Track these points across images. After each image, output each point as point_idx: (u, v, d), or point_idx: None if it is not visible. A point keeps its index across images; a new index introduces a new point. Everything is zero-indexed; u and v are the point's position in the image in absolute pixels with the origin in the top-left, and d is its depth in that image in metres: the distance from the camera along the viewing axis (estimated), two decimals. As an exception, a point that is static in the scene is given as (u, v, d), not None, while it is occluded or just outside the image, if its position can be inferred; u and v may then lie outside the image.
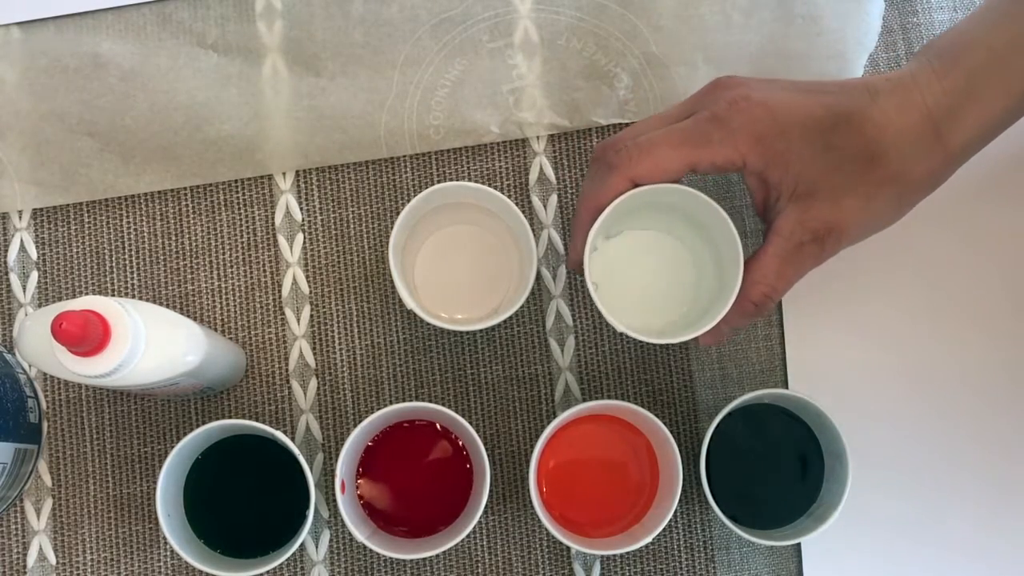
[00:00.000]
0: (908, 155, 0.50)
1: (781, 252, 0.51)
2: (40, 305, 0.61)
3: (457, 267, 0.60)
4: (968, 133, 0.50)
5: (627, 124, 0.63)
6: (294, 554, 0.58)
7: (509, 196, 0.59)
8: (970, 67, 0.50)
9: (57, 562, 0.59)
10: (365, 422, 0.53)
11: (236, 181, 0.62)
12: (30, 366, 0.60)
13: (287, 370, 0.60)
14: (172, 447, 0.53)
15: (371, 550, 0.58)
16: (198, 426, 0.54)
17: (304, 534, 0.53)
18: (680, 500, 0.54)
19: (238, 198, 0.62)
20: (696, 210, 0.54)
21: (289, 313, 0.61)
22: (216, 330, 0.60)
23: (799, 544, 0.59)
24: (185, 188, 0.62)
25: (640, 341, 0.55)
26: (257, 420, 0.57)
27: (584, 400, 0.60)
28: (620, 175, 0.51)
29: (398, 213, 0.58)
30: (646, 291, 0.58)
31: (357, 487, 0.57)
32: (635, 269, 0.58)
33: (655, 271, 0.58)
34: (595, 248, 0.56)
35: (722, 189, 0.62)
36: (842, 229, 0.51)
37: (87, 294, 0.61)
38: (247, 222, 0.62)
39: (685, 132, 0.51)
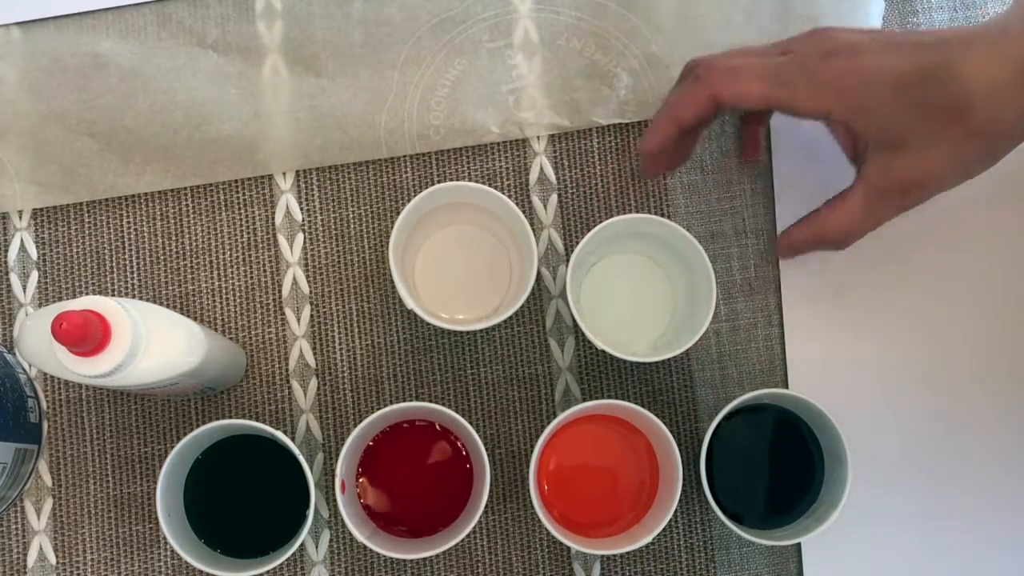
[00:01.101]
0: (996, 108, 0.50)
1: (865, 197, 0.53)
2: (40, 305, 0.61)
3: (457, 267, 0.60)
4: None
5: (627, 124, 0.63)
6: (294, 554, 0.58)
7: (509, 196, 0.59)
8: None
9: (57, 562, 0.59)
10: (365, 422, 0.53)
11: (236, 181, 0.62)
12: (30, 366, 0.60)
13: (287, 370, 0.60)
14: (172, 447, 0.53)
15: (371, 550, 0.58)
16: (198, 426, 0.54)
17: (304, 534, 0.52)
18: (680, 500, 0.54)
19: (238, 198, 0.62)
20: (672, 239, 0.56)
21: (289, 313, 0.61)
22: (216, 330, 0.60)
23: (799, 544, 0.59)
24: (185, 188, 0.62)
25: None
26: (257, 420, 0.57)
27: (584, 400, 0.60)
28: (704, 89, 0.53)
29: (398, 213, 0.58)
30: (628, 311, 0.60)
31: (357, 487, 0.57)
32: (617, 291, 0.60)
33: (636, 293, 0.60)
34: (582, 274, 0.59)
35: (722, 189, 0.62)
36: (927, 180, 0.52)
37: (87, 294, 0.61)
38: (247, 222, 0.62)
39: (774, 69, 0.52)
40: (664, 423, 0.54)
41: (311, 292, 0.61)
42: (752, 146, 0.62)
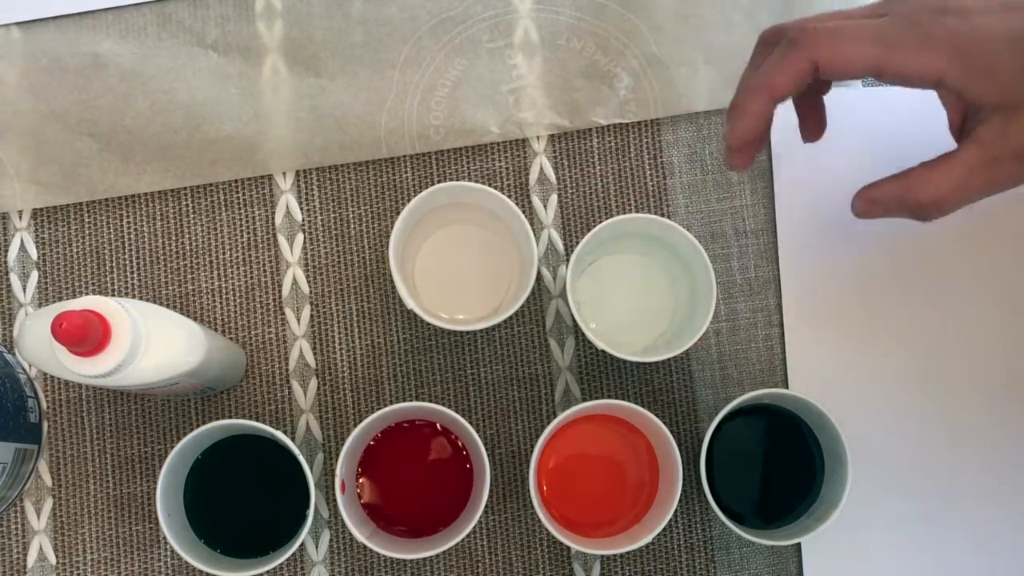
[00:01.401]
0: None
1: (973, 161, 0.47)
2: (40, 305, 0.61)
3: (457, 267, 0.60)
4: None
5: (627, 124, 0.63)
6: (294, 554, 0.58)
7: (509, 196, 0.59)
8: None
9: (57, 562, 0.59)
10: (365, 422, 0.53)
11: (236, 181, 0.62)
12: (30, 366, 0.60)
13: (287, 370, 0.60)
14: (172, 447, 0.53)
15: (371, 550, 0.58)
16: (198, 426, 0.54)
17: (304, 534, 0.52)
18: (680, 500, 0.54)
19: (238, 198, 0.62)
20: (672, 239, 0.56)
21: (289, 313, 0.61)
22: (216, 330, 0.60)
23: (799, 544, 0.59)
24: (185, 188, 0.62)
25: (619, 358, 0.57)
26: (257, 420, 0.57)
27: (584, 400, 0.60)
28: (802, 54, 0.48)
29: (398, 213, 0.58)
30: (628, 311, 0.60)
31: (357, 487, 0.57)
32: (617, 291, 0.60)
33: (636, 293, 0.60)
34: (581, 274, 0.59)
35: (722, 189, 0.62)
36: None
37: (87, 294, 0.61)
38: (247, 222, 0.62)
39: (880, 29, 0.47)
40: (664, 423, 0.53)
41: (311, 292, 0.61)
42: (815, 124, 0.56)
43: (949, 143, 0.50)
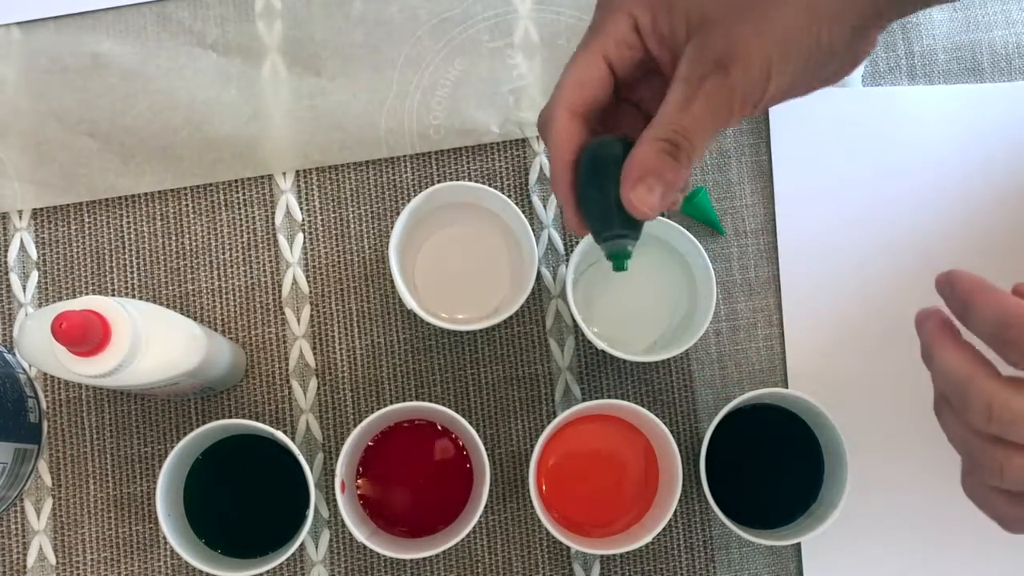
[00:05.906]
0: None
1: (683, 88, 0.42)
2: (40, 305, 0.61)
3: (457, 267, 0.60)
4: None
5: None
6: (294, 554, 0.58)
7: (509, 196, 0.59)
8: None
9: (57, 562, 0.59)
10: (365, 422, 0.53)
11: (236, 181, 0.62)
12: (30, 366, 0.60)
13: (287, 370, 0.60)
14: (172, 447, 0.53)
15: (371, 550, 0.58)
16: (198, 426, 0.54)
17: (304, 534, 0.53)
18: (680, 500, 0.54)
19: (238, 198, 0.62)
20: (672, 239, 0.56)
21: (289, 313, 0.61)
22: (216, 330, 0.60)
23: (799, 544, 0.59)
24: (185, 188, 0.62)
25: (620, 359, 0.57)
26: (257, 420, 0.57)
27: (584, 400, 0.60)
28: None
29: (398, 213, 0.58)
30: (627, 312, 0.60)
31: (357, 487, 0.57)
32: (617, 291, 0.60)
33: (636, 293, 0.60)
34: (581, 274, 0.59)
35: (722, 189, 0.62)
36: (746, 53, 0.42)
37: (87, 294, 0.61)
38: (247, 222, 0.62)
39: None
40: (664, 423, 0.54)
41: (311, 292, 0.61)
42: None
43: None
